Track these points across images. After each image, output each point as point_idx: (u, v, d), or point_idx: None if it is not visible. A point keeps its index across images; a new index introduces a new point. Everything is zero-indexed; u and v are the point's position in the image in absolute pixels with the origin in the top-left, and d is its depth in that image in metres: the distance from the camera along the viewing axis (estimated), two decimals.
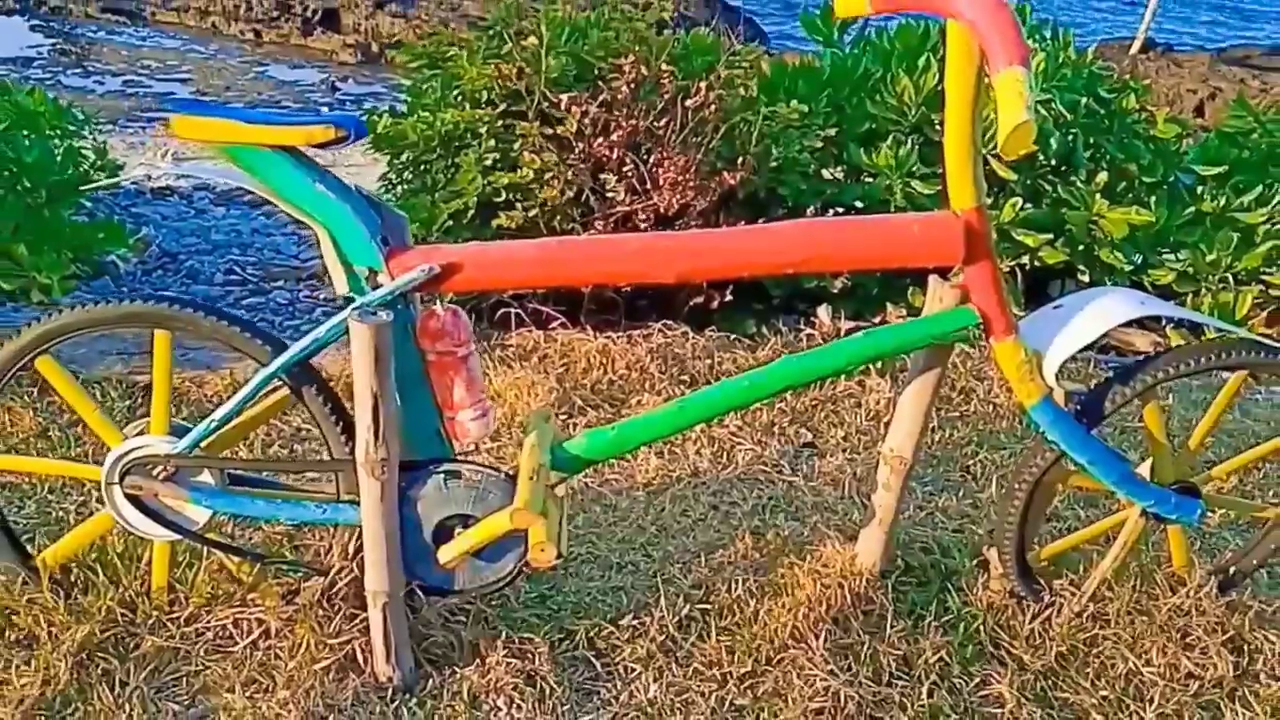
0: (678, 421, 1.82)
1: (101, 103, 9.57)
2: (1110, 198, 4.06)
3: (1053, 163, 4.04)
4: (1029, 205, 4.01)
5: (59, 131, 4.83)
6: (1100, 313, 1.77)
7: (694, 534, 2.48)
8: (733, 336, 3.61)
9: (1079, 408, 1.91)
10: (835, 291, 3.90)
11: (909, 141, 4.05)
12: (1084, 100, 4.03)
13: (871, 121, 4.06)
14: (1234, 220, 4.30)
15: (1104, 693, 2.00)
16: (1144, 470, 1.99)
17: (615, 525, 2.51)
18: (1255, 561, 2.20)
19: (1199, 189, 4.37)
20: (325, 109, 12.06)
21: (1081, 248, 3.98)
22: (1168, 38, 18.73)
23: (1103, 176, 4.03)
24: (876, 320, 3.83)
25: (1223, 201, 4.32)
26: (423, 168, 3.55)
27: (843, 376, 3.08)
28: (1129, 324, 2.09)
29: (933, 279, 1.80)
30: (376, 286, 1.68)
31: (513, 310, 3.49)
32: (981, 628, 2.11)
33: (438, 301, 1.73)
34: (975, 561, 2.26)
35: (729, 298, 3.71)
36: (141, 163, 5.81)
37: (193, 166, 2.48)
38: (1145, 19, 12.41)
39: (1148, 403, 1.93)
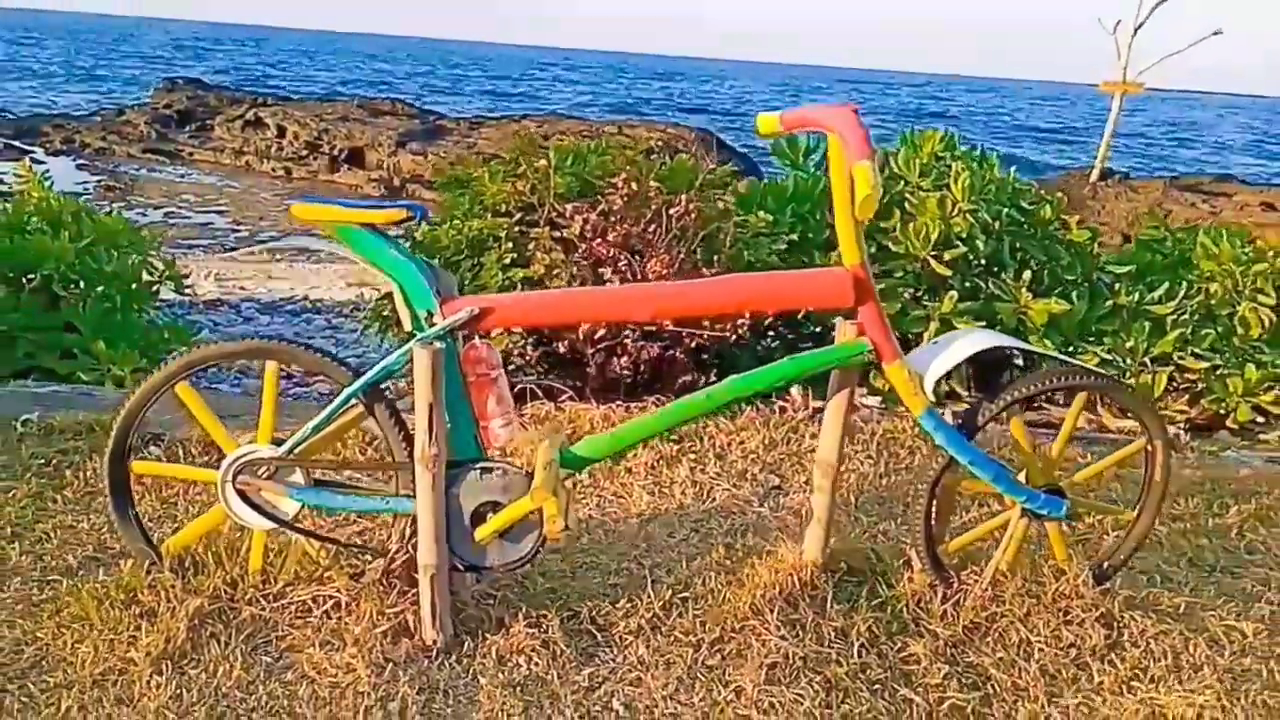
0: (656, 425, 2.35)
1: (146, 232, 10.35)
2: (1035, 292, 4.66)
3: (983, 263, 4.66)
4: (967, 300, 4.61)
5: (133, 248, 5.47)
6: (964, 344, 2.34)
7: (678, 549, 2.97)
8: (714, 411, 4.13)
9: (960, 421, 2.44)
10: None
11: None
12: (1006, 210, 4.67)
13: (830, 229, 4.70)
14: (1147, 312, 4.90)
15: (999, 655, 2.46)
16: (1021, 477, 2.51)
17: (613, 543, 3.00)
18: (1123, 556, 2.68)
19: (1116, 286, 4.97)
20: None
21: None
22: (1130, 165, 19.79)
23: (1027, 274, 4.64)
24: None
25: (1137, 297, 4.92)
26: (453, 266, 4.16)
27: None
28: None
29: (839, 320, 2.36)
30: (433, 325, 2.24)
31: (528, 386, 4.05)
32: (904, 608, 2.58)
33: (476, 337, 2.29)
34: (902, 561, 2.75)
35: (713, 377, 4.28)
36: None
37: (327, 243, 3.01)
38: (1100, 152, 13.39)
39: (1012, 418, 2.46)
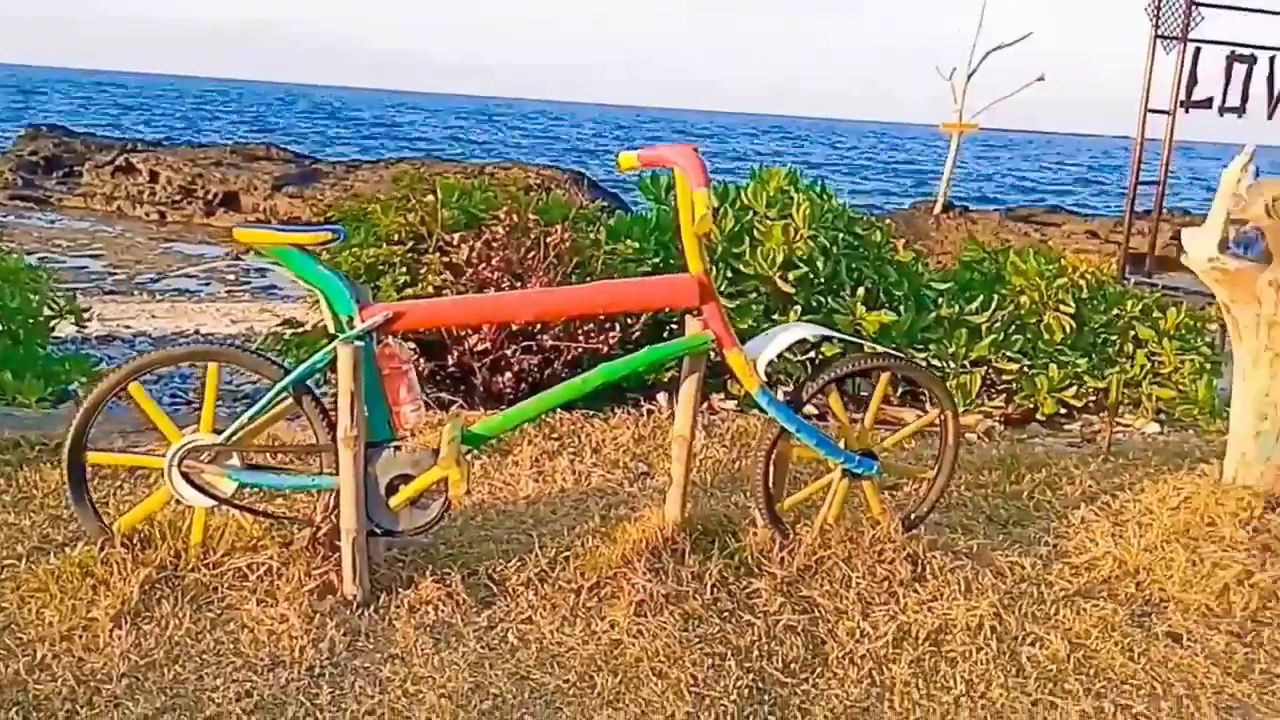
0: (541, 406, 2.84)
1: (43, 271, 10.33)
2: (868, 306, 5.33)
3: (823, 281, 5.30)
4: (809, 314, 5.25)
5: (31, 286, 5.68)
6: (789, 334, 2.91)
7: (560, 521, 3.45)
8: (592, 413, 4.63)
9: (788, 397, 3.01)
10: (666, 381, 5.00)
11: (718, 269, 5.27)
12: (842, 236, 5.35)
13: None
14: (966, 321, 5.62)
15: (826, 588, 3.01)
16: (840, 443, 3.09)
17: (504, 520, 3.46)
18: (926, 508, 3.29)
19: (939, 300, 5.69)
20: (232, 276, 13.00)
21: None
22: (970, 198, 21.33)
23: (861, 291, 5.31)
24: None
25: (957, 308, 5.65)
26: None
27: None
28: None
29: (689, 317, 2.90)
30: (353, 327, 2.68)
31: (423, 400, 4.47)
32: (749, 556, 3.10)
33: (390, 337, 2.75)
34: (748, 520, 3.28)
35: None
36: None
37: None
38: (942, 187, 14.54)
39: (830, 393, 3.04)
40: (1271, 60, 8.63)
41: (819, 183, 5.77)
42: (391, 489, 2.79)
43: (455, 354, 4.56)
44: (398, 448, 2.77)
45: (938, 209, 14.19)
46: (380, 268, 4.54)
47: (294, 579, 2.80)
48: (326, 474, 2.79)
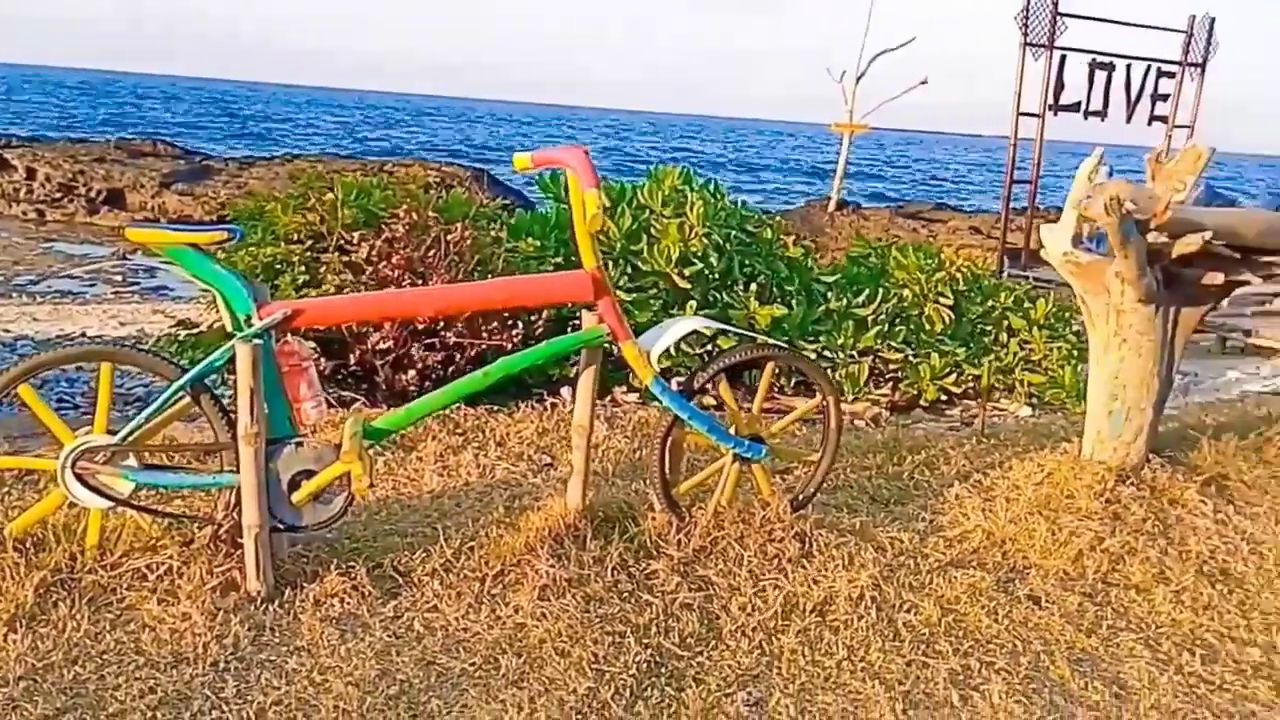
0: (442, 399, 2.91)
1: None
2: (761, 300, 5.51)
3: (718, 277, 5.47)
4: (705, 308, 5.40)
5: None
6: (681, 327, 3.04)
7: (465, 513, 3.51)
8: (496, 408, 4.70)
9: (681, 386, 3.14)
10: (571, 376, 5.09)
11: (617, 266, 5.38)
12: (734, 233, 5.52)
13: None
14: (853, 314, 5.85)
15: (720, 566, 3.15)
16: (731, 430, 3.23)
17: (409, 514, 3.51)
18: (812, 489, 3.45)
19: (828, 294, 5.92)
20: (119, 276, 12.59)
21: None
22: (862, 195, 21.95)
23: (754, 286, 5.49)
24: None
25: (845, 302, 5.87)
26: None
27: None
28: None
29: (584, 312, 3.00)
30: (251, 325, 2.71)
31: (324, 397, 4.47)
32: (648, 539, 3.23)
33: (289, 334, 2.78)
34: (646, 506, 3.40)
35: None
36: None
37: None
38: (835, 184, 14.94)
39: (720, 382, 3.18)
40: (1128, 68, 9.16)
41: (713, 182, 5.93)
42: (294, 485, 2.82)
43: (357, 352, 4.57)
44: (299, 444, 2.81)
45: (831, 206, 14.59)
46: (279, 267, 4.51)
47: (196, 577, 2.81)
48: (227, 472, 2.80)
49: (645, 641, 2.74)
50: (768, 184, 34.61)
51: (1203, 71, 9.72)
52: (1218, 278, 3.76)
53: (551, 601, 2.90)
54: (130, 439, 2.74)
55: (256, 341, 2.68)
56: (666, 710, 2.48)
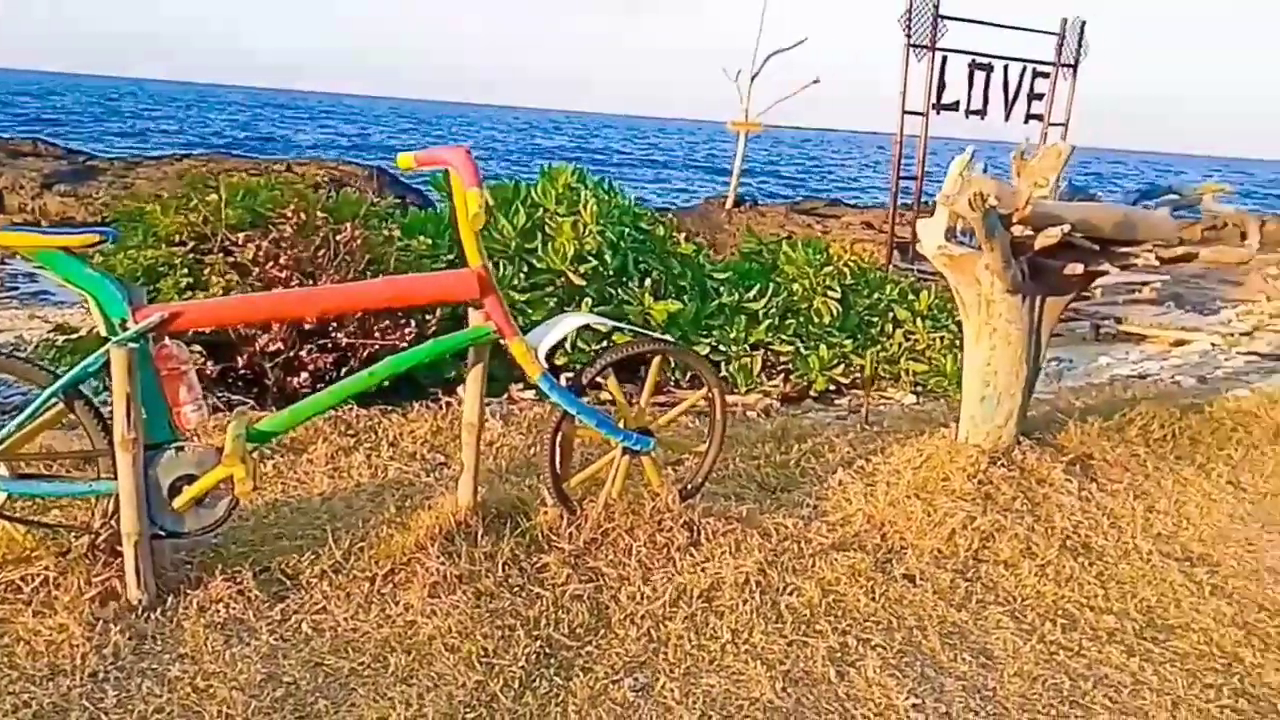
0: (328, 400, 2.89)
1: None
2: (656, 296, 5.58)
3: (612, 274, 5.52)
4: (601, 305, 5.45)
5: None
6: (568, 322, 3.08)
7: (356, 514, 3.49)
8: (390, 408, 4.66)
9: (570, 382, 3.17)
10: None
11: (513, 264, 5.39)
12: (628, 230, 5.58)
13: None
14: (745, 308, 5.97)
15: (611, 557, 3.20)
16: (620, 424, 3.28)
17: (298, 517, 3.47)
18: (700, 479, 3.53)
19: (721, 289, 6.02)
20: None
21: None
22: (759, 192, 22.34)
23: (649, 282, 5.56)
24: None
25: (737, 296, 5.98)
26: None
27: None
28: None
29: (471, 310, 3.01)
30: (126, 330, 2.65)
31: (210, 402, 4.38)
32: (539, 534, 3.26)
33: (167, 338, 2.72)
34: (539, 501, 3.43)
35: (386, 384, 4.81)
36: None
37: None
38: (732, 181, 15.13)
39: (609, 377, 3.23)
40: (1006, 68, 9.52)
41: (606, 180, 5.98)
42: (175, 490, 2.77)
43: (245, 355, 4.49)
44: (180, 448, 2.76)
45: (729, 204, 14.78)
46: (160, 269, 4.40)
47: (73, 588, 2.74)
48: (105, 479, 2.74)
49: (535, 634, 2.78)
50: (671, 182, 34.88)
51: (1074, 72, 10.16)
52: (1078, 268, 3.96)
53: (442, 598, 2.91)
54: (1, 448, 2.66)
55: (132, 346, 2.62)
56: (554, 700, 2.52)
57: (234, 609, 2.82)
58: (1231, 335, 9.15)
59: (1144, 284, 11.50)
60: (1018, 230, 3.81)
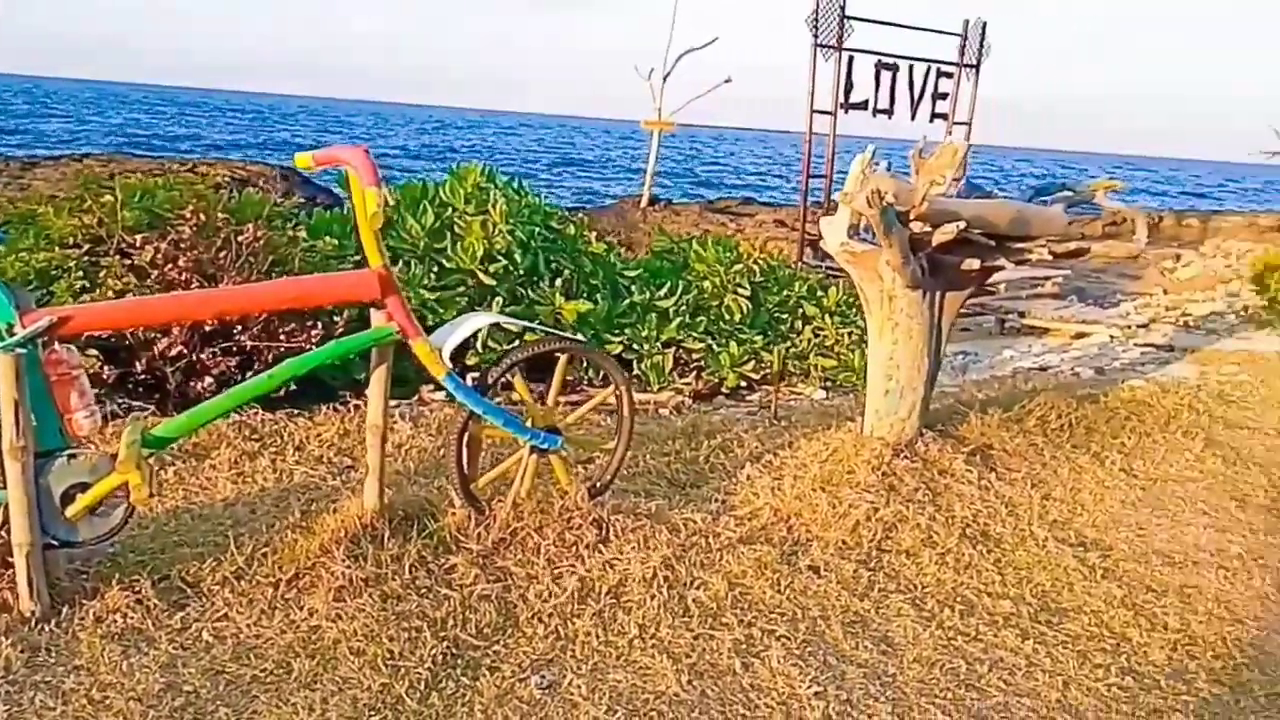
0: (226, 403, 2.84)
1: None
2: (567, 295, 5.59)
3: (523, 273, 5.52)
4: (512, 305, 5.44)
5: None
6: (472, 322, 3.08)
7: (260, 520, 3.43)
8: (296, 412, 4.59)
9: (475, 382, 3.17)
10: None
11: (422, 263, 5.35)
12: (538, 230, 5.58)
13: (390, 251, 5.33)
14: (657, 307, 6.01)
15: (519, 556, 3.20)
16: (527, 422, 3.29)
17: (200, 524, 3.40)
18: (609, 477, 3.56)
19: (632, 288, 6.06)
20: None
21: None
22: (674, 191, 22.47)
23: (559, 281, 5.57)
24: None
25: (648, 295, 6.03)
26: None
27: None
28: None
29: (373, 311, 2.99)
30: (13, 335, 2.57)
31: (109, 407, 4.26)
32: (447, 535, 3.25)
33: (57, 343, 2.65)
34: (447, 501, 3.42)
35: (291, 387, 4.73)
36: None
37: None
38: (646, 180, 15.22)
39: (514, 376, 3.24)
40: (911, 68, 9.77)
41: (516, 179, 5.97)
42: (68, 498, 2.70)
43: (144, 359, 4.38)
44: (72, 456, 2.69)
45: (644, 203, 14.87)
46: (54, 273, 4.26)
47: None
48: None
49: (442, 634, 2.77)
50: (588, 181, 34.92)
51: (977, 72, 10.47)
52: (975, 263, 4.09)
53: (347, 602, 2.89)
54: None
55: (20, 351, 2.55)
56: (461, 700, 2.52)
57: (132, 619, 2.76)
58: (1129, 327, 9.53)
59: (1046, 279, 11.90)
60: (916, 227, 3.92)
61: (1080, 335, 9.29)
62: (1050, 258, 4.34)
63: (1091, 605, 3.21)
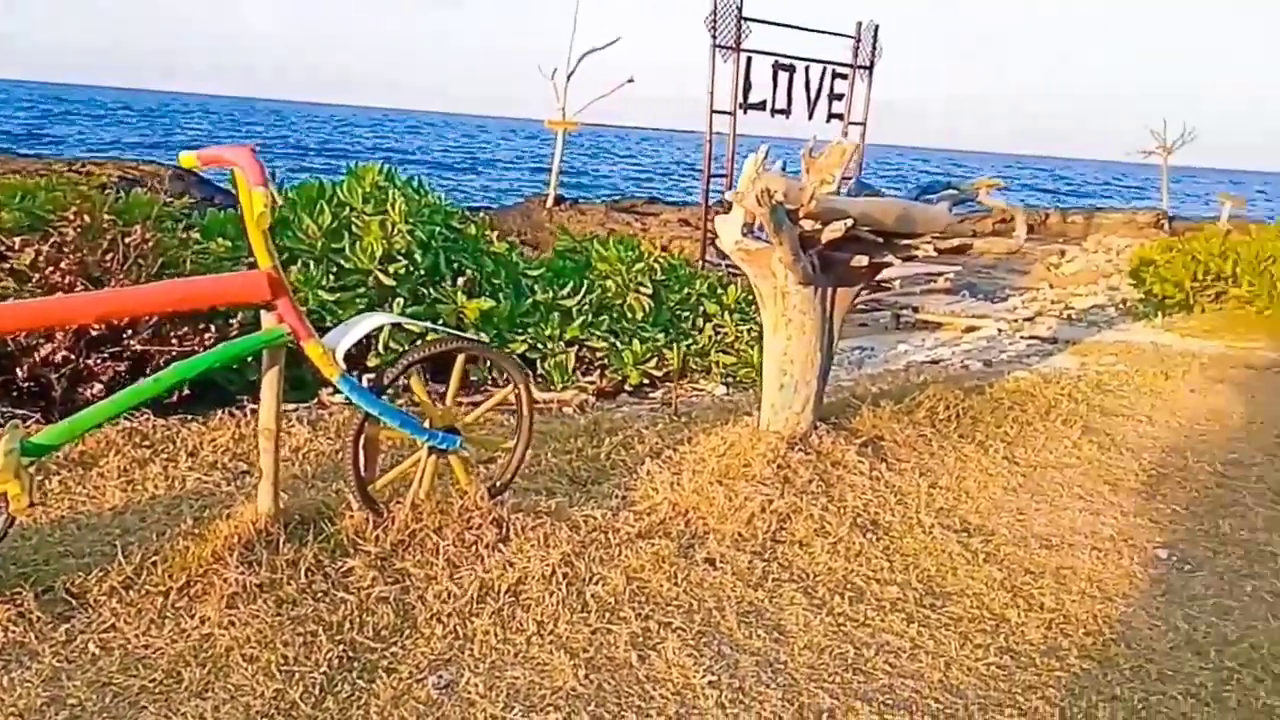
0: (110, 409, 2.75)
1: None
2: (470, 295, 5.57)
3: (424, 273, 5.47)
4: (414, 305, 5.39)
5: None
6: (366, 323, 3.05)
7: (150, 528, 3.34)
8: (190, 417, 4.47)
9: (371, 383, 3.15)
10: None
11: (320, 264, 5.26)
12: (439, 229, 5.54)
13: (287, 252, 5.23)
14: (560, 306, 6.03)
15: (418, 557, 3.18)
16: (426, 423, 3.27)
17: (87, 534, 3.29)
18: (509, 476, 3.56)
19: (535, 287, 6.06)
20: None
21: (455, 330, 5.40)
22: (580, 191, 22.46)
23: (461, 281, 5.54)
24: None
25: (551, 294, 6.03)
26: None
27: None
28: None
29: (264, 313, 2.94)
30: None
31: None
32: (345, 538, 3.21)
33: None
34: (344, 504, 3.38)
35: (186, 392, 4.61)
36: None
37: None
38: (551, 180, 15.20)
39: (411, 377, 3.22)
40: (807, 69, 9.96)
41: (416, 178, 5.91)
42: None
43: (25, 366, 4.21)
44: None
45: (549, 202, 14.83)
46: None
47: None
48: None
49: (338, 638, 2.74)
50: (495, 180, 34.67)
51: (870, 73, 10.73)
52: (863, 260, 4.21)
53: (241, 609, 2.84)
54: None
55: None
56: (356, 702, 2.50)
57: (13, 632, 2.66)
58: (1016, 321, 9.90)
59: (939, 275, 12.27)
60: (807, 225, 4.02)
61: (970, 329, 9.61)
62: (935, 254, 4.49)
63: (973, 588, 3.34)
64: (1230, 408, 5.81)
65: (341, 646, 2.71)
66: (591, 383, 5.99)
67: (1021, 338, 8.71)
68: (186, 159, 2.87)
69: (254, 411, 4.56)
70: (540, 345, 5.82)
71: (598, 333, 6.03)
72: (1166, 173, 25.82)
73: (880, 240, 4.30)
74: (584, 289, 6.14)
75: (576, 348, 5.95)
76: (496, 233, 5.97)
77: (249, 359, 3.09)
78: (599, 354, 6.17)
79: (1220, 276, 9.29)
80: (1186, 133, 25.14)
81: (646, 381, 6.14)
